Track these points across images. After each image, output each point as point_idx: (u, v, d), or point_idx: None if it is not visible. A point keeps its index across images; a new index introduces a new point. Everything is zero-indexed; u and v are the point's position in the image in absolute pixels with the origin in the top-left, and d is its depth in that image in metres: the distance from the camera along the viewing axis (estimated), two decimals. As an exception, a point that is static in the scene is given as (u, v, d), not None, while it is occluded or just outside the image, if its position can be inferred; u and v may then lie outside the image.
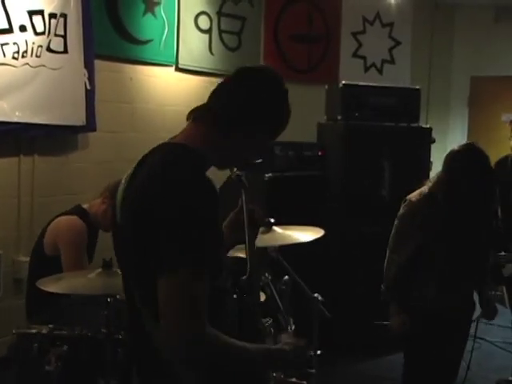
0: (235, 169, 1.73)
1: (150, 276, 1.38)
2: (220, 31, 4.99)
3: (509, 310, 4.10)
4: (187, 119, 1.59)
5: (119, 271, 2.51)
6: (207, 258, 1.37)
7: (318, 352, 3.16)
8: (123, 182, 1.54)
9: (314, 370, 2.98)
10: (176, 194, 1.39)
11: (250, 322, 1.61)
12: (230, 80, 1.60)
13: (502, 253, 3.77)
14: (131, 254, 1.47)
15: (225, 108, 1.55)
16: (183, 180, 1.40)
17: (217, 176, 1.63)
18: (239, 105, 1.54)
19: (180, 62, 4.70)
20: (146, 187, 1.43)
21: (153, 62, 4.54)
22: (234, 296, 1.57)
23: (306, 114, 5.28)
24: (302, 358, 1.57)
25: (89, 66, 3.99)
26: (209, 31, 4.90)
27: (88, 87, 4.00)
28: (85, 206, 3.23)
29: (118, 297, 2.50)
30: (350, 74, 5.69)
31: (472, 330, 3.16)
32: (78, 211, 3.17)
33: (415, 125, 4.79)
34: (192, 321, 1.34)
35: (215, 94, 1.59)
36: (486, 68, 6.70)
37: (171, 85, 4.73)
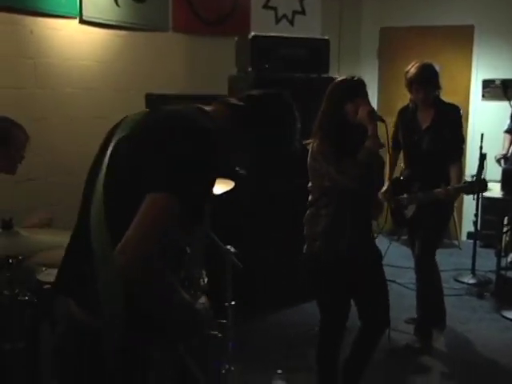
0: None
1: (134, 199, 1.44)
2: (126, -19, 4.80)
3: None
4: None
5: (21, 231, 2.44)
6: (191, 200, 1.47)
7: (232, 303, 3.21)
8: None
9: (225, 321, 3.03)
10: (192, 136, 1.52)
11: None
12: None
13: (404, 195, 3.89)
14: (121, 179, 1.55)
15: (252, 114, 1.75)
16: (202, 128, 1.56)
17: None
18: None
19: (84, 14, 4.49)
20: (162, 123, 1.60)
21: (54, 13, 4.30)
22: None
23: (218, 66, 5.21)
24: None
25: (-18, 17, 3.76)
26: (114, -19, 4.70)
27: (-17, 40, 3.77)
28: None
29: (20, 257, 2.43)
30: (262, 26, 5.63)
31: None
32: None
33: (325, 75, 4.82)
34: (148, 240, 1.39)
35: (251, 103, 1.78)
36: (395, 19, 6.81)
37: (75, 38, 4.51)
